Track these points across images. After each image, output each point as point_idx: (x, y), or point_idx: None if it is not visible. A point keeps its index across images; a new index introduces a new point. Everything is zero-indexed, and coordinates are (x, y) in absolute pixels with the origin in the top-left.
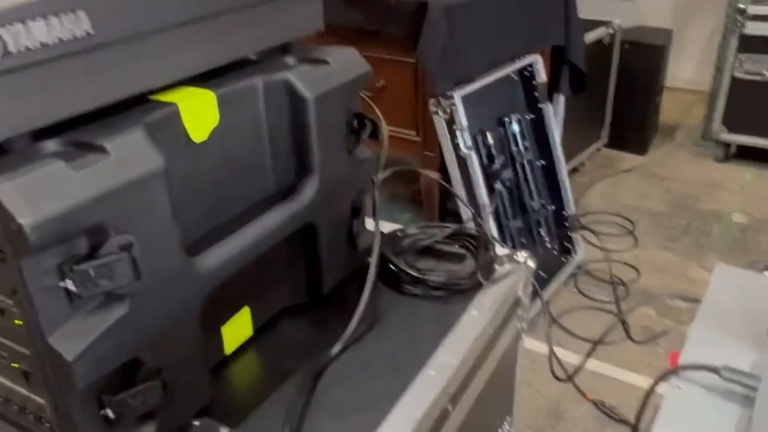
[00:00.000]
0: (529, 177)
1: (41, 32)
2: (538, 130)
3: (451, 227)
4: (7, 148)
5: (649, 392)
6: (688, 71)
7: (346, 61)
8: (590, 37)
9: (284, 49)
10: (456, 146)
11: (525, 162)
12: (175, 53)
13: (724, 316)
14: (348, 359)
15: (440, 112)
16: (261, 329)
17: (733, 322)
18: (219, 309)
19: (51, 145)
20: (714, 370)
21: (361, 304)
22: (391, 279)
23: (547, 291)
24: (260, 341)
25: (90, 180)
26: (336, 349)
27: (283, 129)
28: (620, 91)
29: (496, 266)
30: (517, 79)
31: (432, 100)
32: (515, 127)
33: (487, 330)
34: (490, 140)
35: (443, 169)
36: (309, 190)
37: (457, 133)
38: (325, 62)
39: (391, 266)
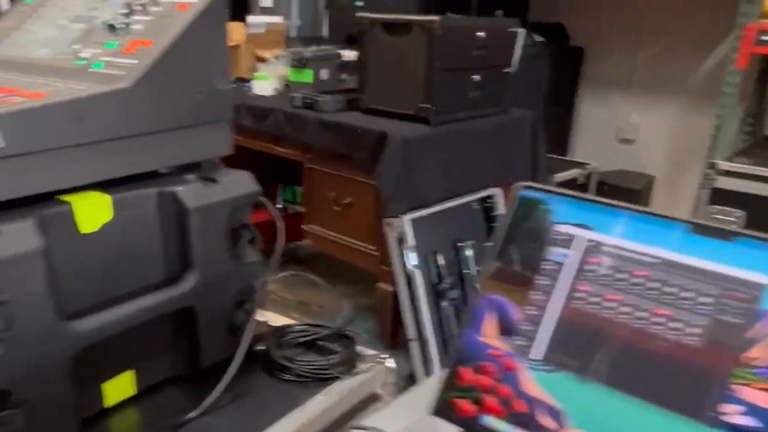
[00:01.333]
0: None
1: None
2: None
3: (332, 328)
4: None
5: None
6: None
7: (234, 182)
8: (564, 176)
9: (194, 166)
10: (405, 263)
11: (476, 285)
12: (75, 165)
13: None
14: (203, 423)
15: (391, 232)
16: (145, 391)
17: None
18: (101, 368)
19: None
20: None
21: (223, 381)
22: (267, 365)
23: None
24: (140, 401)
25: None
26: (194, 413)
27: (172, 231)
28: None
29: (359, 363)
30: (478, 208)
31: (385, 220)
32: (469, 252)
33: (329, 413)
34: (441, 261)
35: None
36: (187, 282)
37: (405, 252)
38: (215, 181)
39: (268, 354)
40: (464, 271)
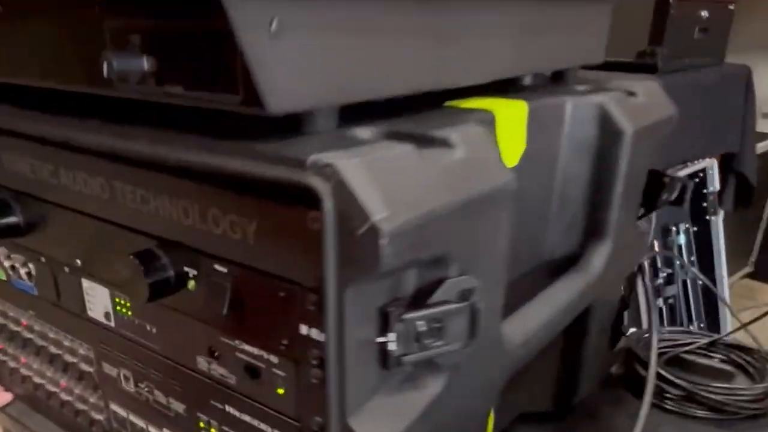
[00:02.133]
0: (691, 296)
1: None
2: (700, 245)
3: (708, 336)
4: (305, 127)
5: None
6: None
7: (653, 96)
8: (763, 146)
9: (554, 78)
10: None
11: (688, 279)
12: (495, 45)
13: None
14: None
15: None
16: None
17: None
18: None
19: (364, 132)
20: None
21: (639, 420)
22: (641, 389)
23: None
24: None
25: (445, 179)
26: None
27: (581, 172)
28: None
29: None
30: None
31: None
32: (682, 239)
33: None
34: (656, 249)
35: None
36: (598, 262)
37: None
38: (633, 93)
39: (636, 371)
40: (676, 262)
